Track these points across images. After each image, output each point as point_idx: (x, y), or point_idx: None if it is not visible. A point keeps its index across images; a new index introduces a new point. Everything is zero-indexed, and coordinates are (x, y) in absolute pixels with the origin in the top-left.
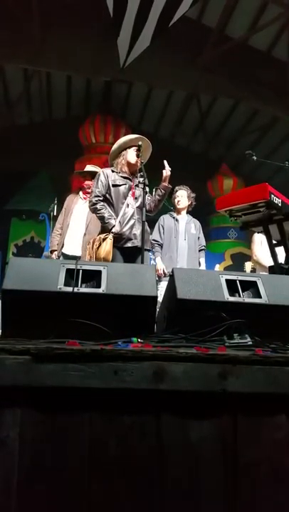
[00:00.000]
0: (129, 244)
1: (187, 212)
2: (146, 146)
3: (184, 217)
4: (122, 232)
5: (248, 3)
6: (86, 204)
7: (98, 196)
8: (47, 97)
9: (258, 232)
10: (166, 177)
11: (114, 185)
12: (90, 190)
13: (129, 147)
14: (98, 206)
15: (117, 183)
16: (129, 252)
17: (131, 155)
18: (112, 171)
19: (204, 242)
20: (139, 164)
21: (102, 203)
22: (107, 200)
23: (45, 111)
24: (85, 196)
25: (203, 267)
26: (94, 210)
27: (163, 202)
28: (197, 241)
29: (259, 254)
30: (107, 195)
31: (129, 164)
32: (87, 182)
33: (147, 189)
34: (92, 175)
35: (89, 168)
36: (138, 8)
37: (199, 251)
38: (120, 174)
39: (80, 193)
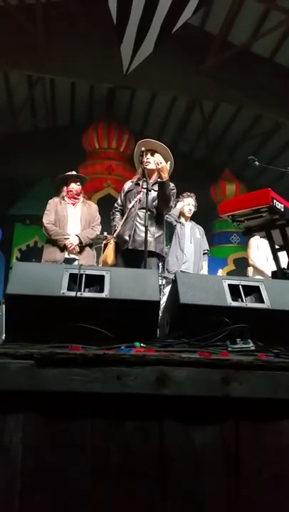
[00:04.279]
0: (125, 247)
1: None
2: (153, 144)
3: (188, 223)
4: (119, 234)
5: (250, 10)
6: (76, 209)
7: (115, 208)
8: (51, 104)
9: (261, 237)
10: (160, 170)
11: (126, 194)
12: (77, 196)
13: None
14: (112, 216)
15: (128, 189)
16: (130, 256)
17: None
18: (131, 182)
19: (208, 246)
20: (148, 167)
21: (116, 213)
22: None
23: (49, 117)
24: (72, 202)
25: (205, 270)
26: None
27: (165, 198)
28: (202, 245)
29: (255, 258)
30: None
31: (143, 172)
32: (75, 187)
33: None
34: (79, 178)
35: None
36: (141, 15)
37: (203, 254)
38: (134, 182)
39: (66, 198)
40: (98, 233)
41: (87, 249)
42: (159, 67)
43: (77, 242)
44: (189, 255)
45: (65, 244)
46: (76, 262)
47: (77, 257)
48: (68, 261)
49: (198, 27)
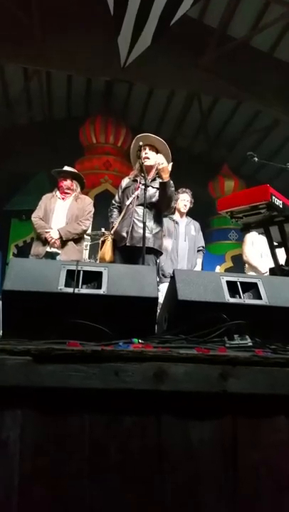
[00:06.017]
0: (122, 243)
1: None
2: (151, 139)
3: (183, 220)
4: (117, 231)
5: (250, 3)
6: (65, 203)
7: (113, 204)
8: (47, 97)
9: (259, 234)
10: (160, 170)
11: (123, 191)
12: (67, 191)
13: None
14: (109, 213)
15: (126, 186)
16: (128, 253)
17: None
18: (129, 178)
19: (203, 242)
20: (145, 163)
21: (113, 210)
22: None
23: (45, 111)
24: (63, 196)
25: (198, 267)
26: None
27: (166, 198)
28: (196, 242)
29: (249, 254)
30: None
31: (141, 167)
32: (65, 182)
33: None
34: (72, 175)
35: (66, 168)
36: (139, 8)
37: (198, 251)
38: (132, 178)
39: (58, 193)
40: (85, 228)
41: (71, 243)
42: (157, 61)
43: (58, 236)
44: (183, 253)
45: (45, 238)
46: (58, 257)
47: (59, 251)
48: (50, 255)
49: (197, 20)
